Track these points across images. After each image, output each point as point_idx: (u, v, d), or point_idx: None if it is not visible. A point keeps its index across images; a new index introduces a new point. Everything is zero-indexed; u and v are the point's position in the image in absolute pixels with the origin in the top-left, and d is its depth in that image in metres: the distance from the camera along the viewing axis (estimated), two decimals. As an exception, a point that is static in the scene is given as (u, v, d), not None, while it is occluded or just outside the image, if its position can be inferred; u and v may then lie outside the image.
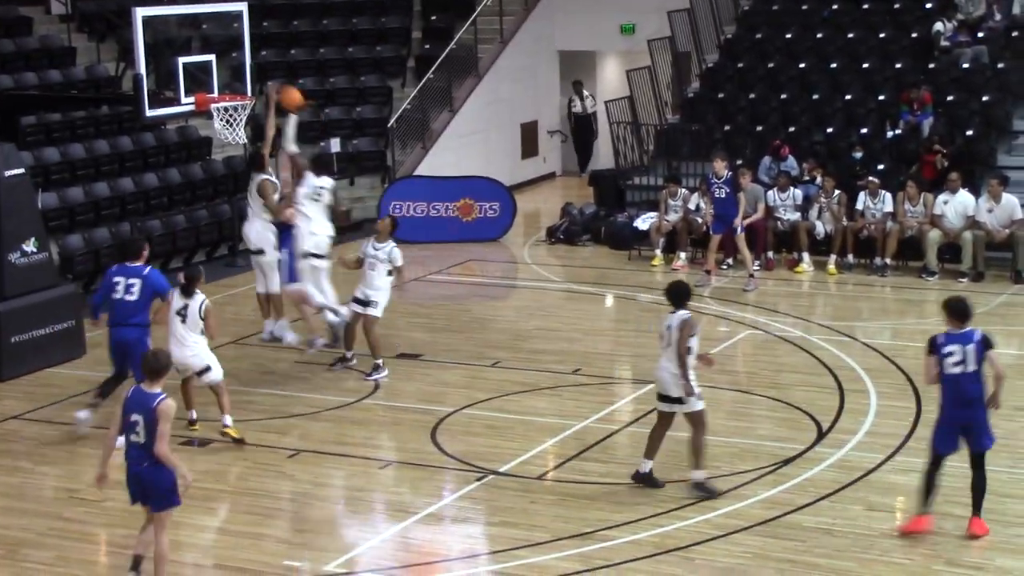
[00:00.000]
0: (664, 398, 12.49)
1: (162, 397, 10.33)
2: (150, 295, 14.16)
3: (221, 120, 18.24)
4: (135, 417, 10.32)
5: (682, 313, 12.42)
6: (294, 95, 16.70)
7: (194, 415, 14.37)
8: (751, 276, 20.18)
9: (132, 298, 14.11)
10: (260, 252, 16.26)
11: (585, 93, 30.49)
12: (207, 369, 14.07)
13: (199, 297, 13.90)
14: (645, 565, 11.13)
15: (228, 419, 14.11)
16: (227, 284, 20.71)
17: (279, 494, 12.98)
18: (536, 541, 11.58)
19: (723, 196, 20.16)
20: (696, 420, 12.41)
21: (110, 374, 14.46)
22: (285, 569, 11.28)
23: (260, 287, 16.43)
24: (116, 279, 14.24)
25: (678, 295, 12.63)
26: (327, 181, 16.26)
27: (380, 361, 16.10)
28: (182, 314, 13.89)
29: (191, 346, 13.91)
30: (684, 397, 12.31)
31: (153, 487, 10.43)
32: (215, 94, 18.45)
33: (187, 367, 14.01)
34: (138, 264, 14.28)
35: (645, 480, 12.59)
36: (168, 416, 10.26)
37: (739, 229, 20.20)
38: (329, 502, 12.86)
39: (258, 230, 16.21)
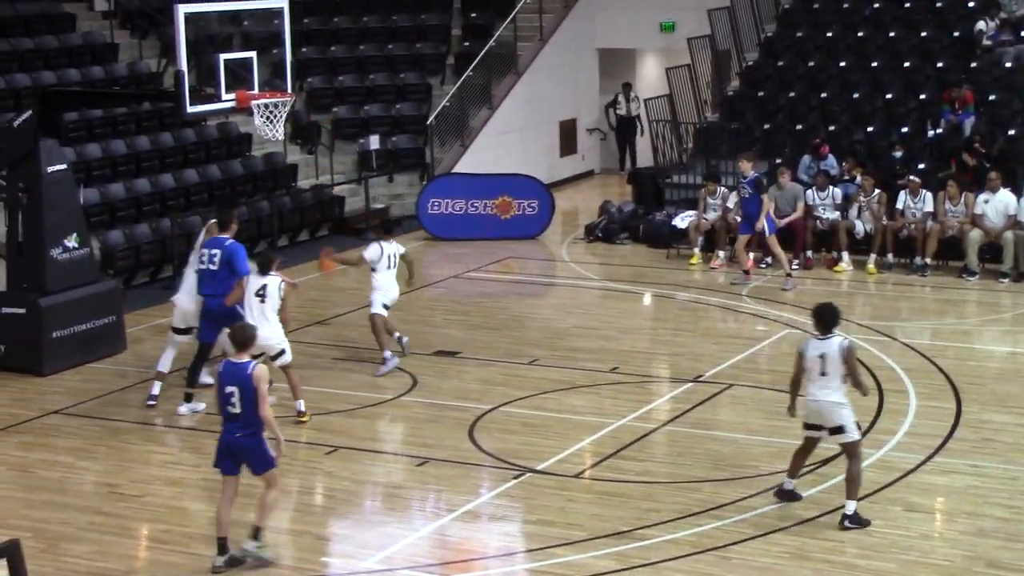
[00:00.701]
0: (815, 427, 11.76)
1: (254, 364, 10.85)
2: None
3: (261, 117, 18.27)
4: (230, 389, 10.76)
5: (839, 340, 11.65)
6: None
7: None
8: (788, 275, 20.12)
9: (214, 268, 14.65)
10: None
11: (632, 95, 30.33)
12: (282, 352, 14.33)
13: (276, 278, 14.08)
14: (682, 564, 11.11)
15: (302, 404, 14.55)
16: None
17: (317, 490, 13.03)
18: (573, 539, 11.58)
19: (747, 196, 20.21)
20: (853, 450, 11.72)
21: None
22: (322, 566, 11.33)
23: None
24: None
25: (829, 318, 11.76)
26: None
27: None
28: (261, 295, 14.10)
29: (269, 327, 14.07)
30: (845, 427, 11.63)
31: (249, 454, 10.93)
32: (256, 91, 18.49)
33: (265, 348, 14.09)
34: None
35: (788, 496, 12.12)
36: (264, 378, 10.80)
37: (767, 230, 20.12)
38: (367, 499, 12.90)
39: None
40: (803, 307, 19.02)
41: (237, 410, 10.78)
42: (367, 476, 13.34)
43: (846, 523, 11.58)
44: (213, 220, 15.48)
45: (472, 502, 12.50)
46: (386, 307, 16.38)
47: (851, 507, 11.59)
